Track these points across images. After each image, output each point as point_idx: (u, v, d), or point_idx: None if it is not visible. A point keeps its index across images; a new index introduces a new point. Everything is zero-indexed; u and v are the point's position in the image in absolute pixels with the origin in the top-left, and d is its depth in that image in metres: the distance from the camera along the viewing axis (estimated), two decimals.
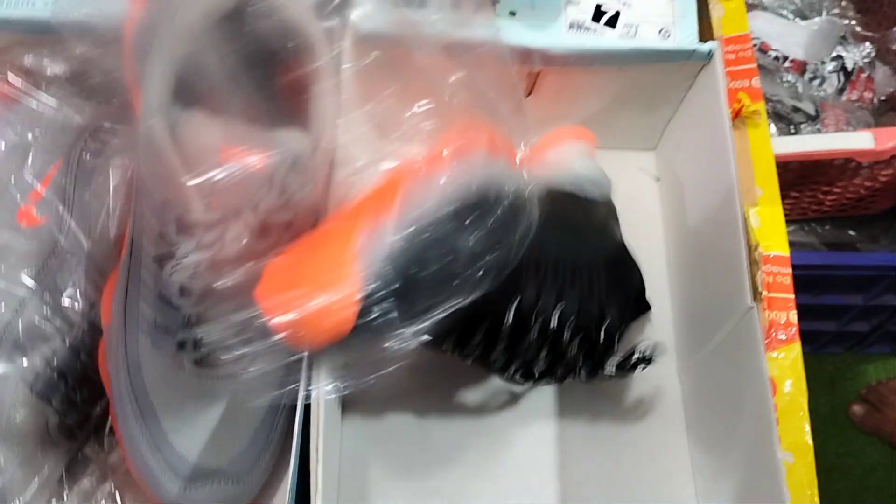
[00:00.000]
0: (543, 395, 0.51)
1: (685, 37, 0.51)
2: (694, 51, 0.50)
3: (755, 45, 0.95)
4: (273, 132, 0.39)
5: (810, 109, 0.92)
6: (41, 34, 0.47)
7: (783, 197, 0.94)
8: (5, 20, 0.47)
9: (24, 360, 0.41)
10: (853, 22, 0.97)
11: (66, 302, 0.44)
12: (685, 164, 0.54)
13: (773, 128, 0.92)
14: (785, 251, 0.47)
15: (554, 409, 0.50)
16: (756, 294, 0.45)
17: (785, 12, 0.97)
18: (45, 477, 0.44)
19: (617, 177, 0.51)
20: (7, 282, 0.43)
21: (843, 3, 0.98)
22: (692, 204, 0.52)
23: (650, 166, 0.58)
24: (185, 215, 0.37)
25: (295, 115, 0.42)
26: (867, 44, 0.95)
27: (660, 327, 0.52)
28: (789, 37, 0.96)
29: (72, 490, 0.46)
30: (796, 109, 0.92)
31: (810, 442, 0.42)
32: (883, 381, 1.09)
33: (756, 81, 0.51)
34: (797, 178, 0.90)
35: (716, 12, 0.53)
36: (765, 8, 0.98)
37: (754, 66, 0.52)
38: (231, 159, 0.36)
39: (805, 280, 0.96)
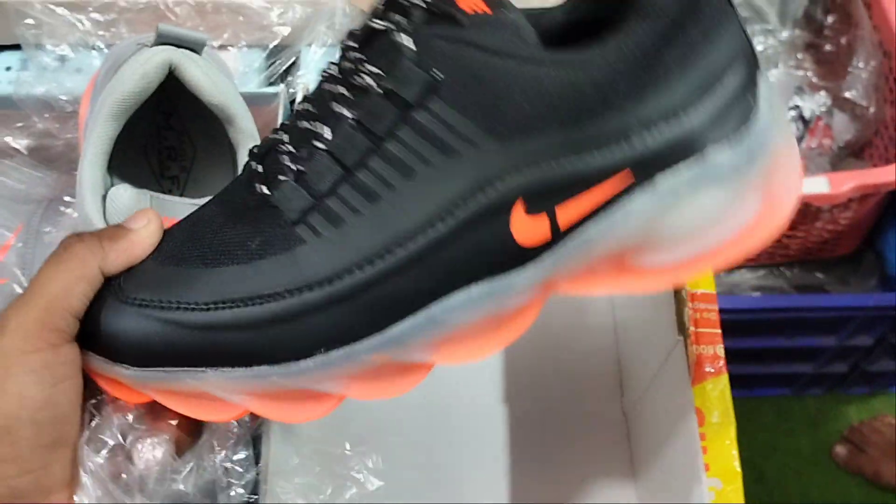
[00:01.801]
0: (494, 429, 0.53)
1: None
2: None
3: None
4: (198, 201, 0.42)
5: None
6: (5, 108, 0.51)
7: None
8: None
9: None
10: (809, 73, 1.00)
11: None
12: None
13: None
14: (711, 289, 0.49)
15: (504, 445, 0.52)
16: (683, 329, 0.47)
17: None
18: None
19: None
20: None
21: (799, 56, 1.02)
22: None
23: None
24: None
25: (217, 181, 0.45)
26: (823, 93, 0.98)
27: (607, 366, 0.54)
28: None
29: None
30: None
31: (738, 468, 0.44)
32: (865, 421, 1.10)
33: None
34: None
35: None
36: None
37: None
38: None
39: (777, 323, 0.98)
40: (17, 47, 0.52)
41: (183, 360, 0.30)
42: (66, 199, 0.50)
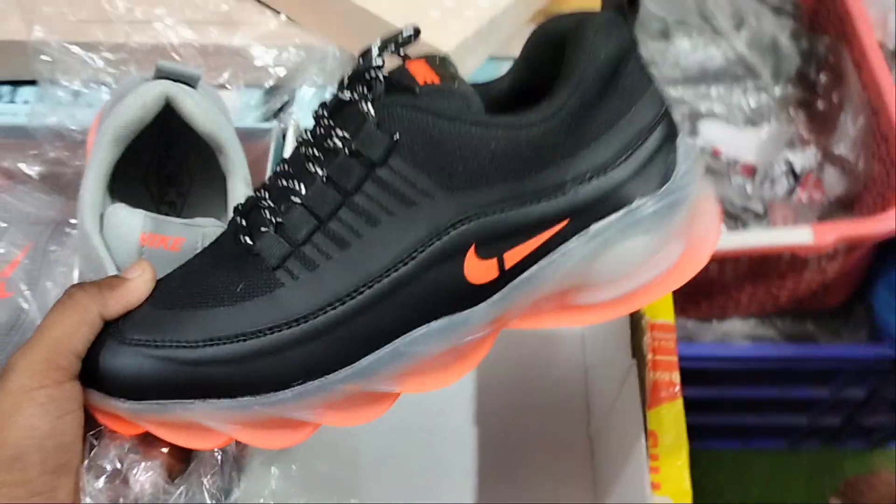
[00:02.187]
0: (466, 454, 0.55)
1: None
2: None
3: (707, 152, 1.02)
4: (190, 221, 0.45)
5: (759, 208, 0.98)
6: (20, 138, 0.55)
7: (738, 290, 0.99)
8: None
9: None
10: (800, 128, 1.03)
11: None
12: None
13: (722, 226, 0.97)
14: (670, 319, 0.51)
15: (475, 469, 0.54)
16: (639, 355, 0.49)
17: (735, 120, 1.04)
18: None
19: None
20: None
21: (791, 112, 1.05)
22: None
23: None
24: None
25: (210, 206, 0.48)
26: (814, 148, 1.01)
27: (575, 393, 0.57)
28: (740, 142, 1.03)
29: None
30: (746, 209, 0.98)
31: (689, 488, 0.46)
32: (861, 476, 1.09)
33: None
34: (749, 272, 0.94)
35: None
36: (717, 117, 1.05)
37: None
38: (149, 244, 0.43)
39: (769, 373, 0.99)
40: (34, 83, 0.57)
41: (174, 393, 0.34)
42: (73, 221, 0.54)
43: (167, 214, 0.53)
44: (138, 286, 0.36)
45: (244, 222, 0.36)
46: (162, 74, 0.46)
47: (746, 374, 1.00)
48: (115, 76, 0.55)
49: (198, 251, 0.44)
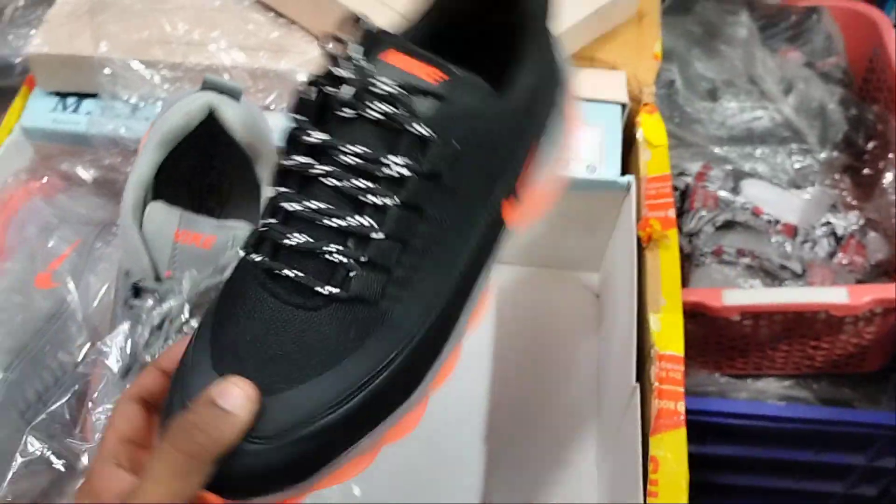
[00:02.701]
0: (470, 473, 0.56)
1: (609, 171, 0.59)
2: (614, 182, 0.58)
3: (748, 210, 1.02)
4: (222, 222, 0.48)
5: (797, 268, 0.97)
6: (79, 144, 0.60)
7: (773, 349, 0.98)
8: (52, 132, 0.60)
9: (22, 390, 0.50)
10: (844, 193, 1.03)
11: (61, 354, 0.53)
12: (615, 282, 0.61)
13: (758, 282, 0.97)
14: (679, 351, 0.52)
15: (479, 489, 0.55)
16: (644, 381, 0.50)
17: (778, 181, 1.05)
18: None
19: (564, 293, 0.59)
20: (20, 332, 0.52)
21: (836, 176, 1.05)
22: (610, 313, 0.58)
23: (594, 285, 0.65)
24: (141, 282, 0.46)
25: (246, 214, 0.52)
26: (857, 212, 1.01)
27: (583, 423, 0.58)
28: (782, 203, 1.03)
29: None
30: (784, 268, 0.98)
31: None
32: None
33: (671, 213, 0.59)
34: (784, 331, 0.94)
35: (643, 157, 0.62)
36: (760, 177, 1.06)
37: (671, 200, 0.59)
38: (182, 240, 0.46)
39: (803, 435, 0.97)
40: (97, 96, 0.61)
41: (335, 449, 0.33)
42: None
43: None
44: (236, 422, 0.31)
45: (299, 273, 0.34)
46: (207, 86, 0.50)
47: (779, 434, 0.98)
48: (170, 92, 0.59)
49: (228, 251, 0.47)
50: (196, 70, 0.59)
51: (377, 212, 0.33)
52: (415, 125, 0.33)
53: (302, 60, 0.60)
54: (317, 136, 0.34)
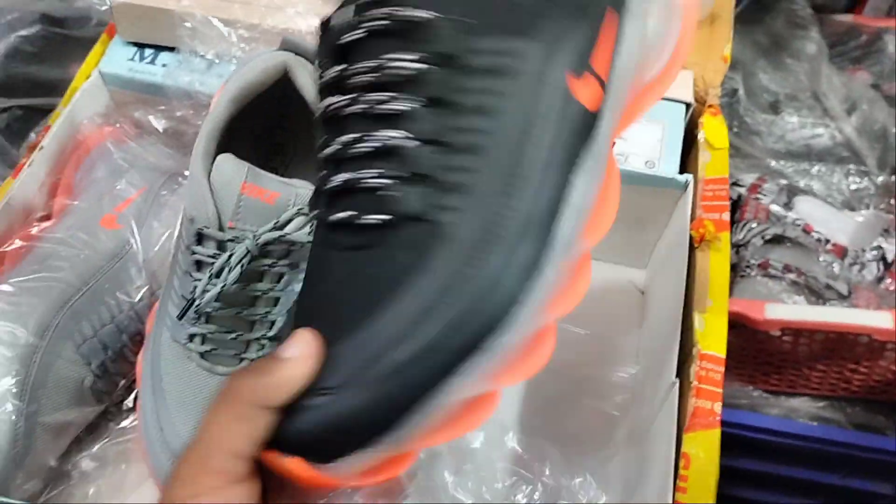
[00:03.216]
0: (500, 457, 0.57)
1: (667, 169, 0.60)
2: (672, 179, 0.58)
3: (799, 226, 1.02)
4: (287, 180, 0.49)
5: (843, 289, 0.96)
6: (153, 94, 0.61)
7: (810, 367, 0.98)
8: (129, 80, 0.62)
9: (80, 323, 0.52)
10: None
11: (119, 293, 0.55)
12: (662, 279, 0.61)
13: (802, 299, 0.96)
14: (721, 353, 0.53)
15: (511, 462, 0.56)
16: (686, 382, 0.51)
17: (832, 201, 1.04)
18: (70, 433, 0.54)
19: (609, 287, 0.60)
20: (83, 267, 0.54)
21: (891, 201, 1.04)
22: (655, 310, 0.59)
23: (640, 281, 0.66)
24: (204, 229, 0.47)
25: (309, 173, 0.53)
26: None
27: (617, 414, 0.59)
28: (834, 223, 1.02)
29: (83, 454, 0.55)
30: (829, 287, 0.97)
31: None
32: None
33: (725, 216, 0.59)
34: (823, 350, 0.93)
35: (703, 158, 0.62)
36: (815, 195, 1.05)
37: (726, 203, 0.59)
38: (248, 193, 0.47)
39: (832, 458, 0.97)
40: (174, 50, 0.63)
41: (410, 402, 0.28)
42: (186, 173, 0.59)
43: None
44: (296, 367, 0.30)
45: (349, 212, 0.31)
46: (286, 46, 0.51)
47: (808, 454, 0.97)
48: (245, 52, 0.61)
49: (290, 209, 0.48)
50: (273, 32, 0.61)
51: (405, 119, 0.31)
52: (409, 12, 0.31)
53: None
54: (332, 70, 0.32)
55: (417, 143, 0.30)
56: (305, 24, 0.60)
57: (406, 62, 0.31)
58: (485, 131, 0.30)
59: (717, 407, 0.51)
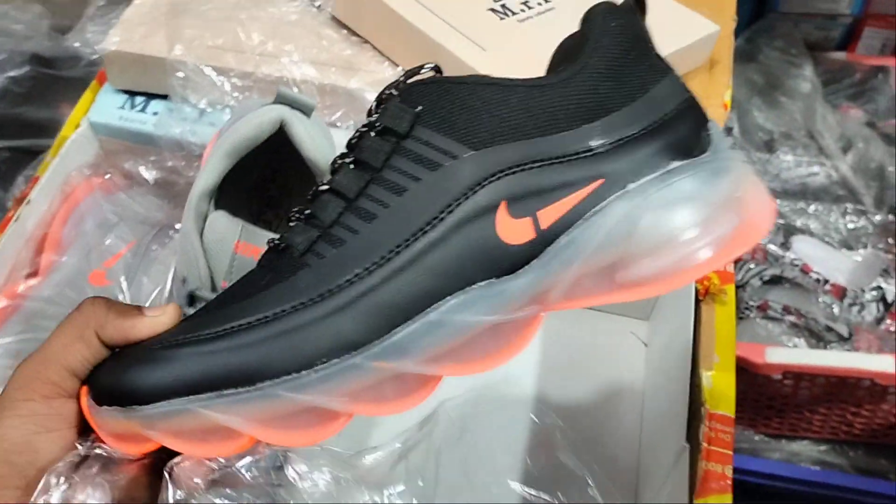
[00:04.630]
0: None
1: None
2: None
3: (797, 267, 1.00)
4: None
5: (843, 331, 0.95)
6: (144, 144, 0.60)
7: (811, 411, 0.96)
8: (119, 129, 0.60)
9: None
10: None
11: None
12: (666, 333, 0.60)
13: (802, 342, 0.95)
14: (731, 412, 0.51)
15: None
16: (695, 443, 0.49)
17: (830, 240, 1.03)
18: None
19: (611, 339, 0.59)
20: None
21: (890, 241, 1.03)
22: (659, 365, 0.57)
23: (642, 333, 0.64)
24: (197, 291, 0.46)
25: None
26: None
27: (622, 476, 0.57)
28: (832, 263, 1.01)
29: None
30: (830, 329, 0.96)
31: None
32: None
33: (730, 267, 0.58)
34: (825, 394, 0.92)
35: None
36: (812, 234, 1.04)
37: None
38: (241, 252, 0.46)
39: (833, 501, 0.95)
40: (166, 97, 0.62)
41: (191, 389, 0.32)
42: (177, 226, 0.58)
43: None
44: (146, 325, 0.35)
45: (277, 235, 0.37)
46: (280, 100, 0.50)
47: (809, 498, 0.96)
48: (238, 101, 0.59)
49: None
50: (266, 81, 0.59)
51: (335, 170, 0.36)
52: (388, 90, 0.36)
53: (372, 80, 0.59)
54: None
55: (331, 193, 0.35)
56: (300, 73, 0.59)
57: (365, 127, 0.36)
58: (388, 206, 0.33)
59: (728, 470, 0.49)
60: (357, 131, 0.36)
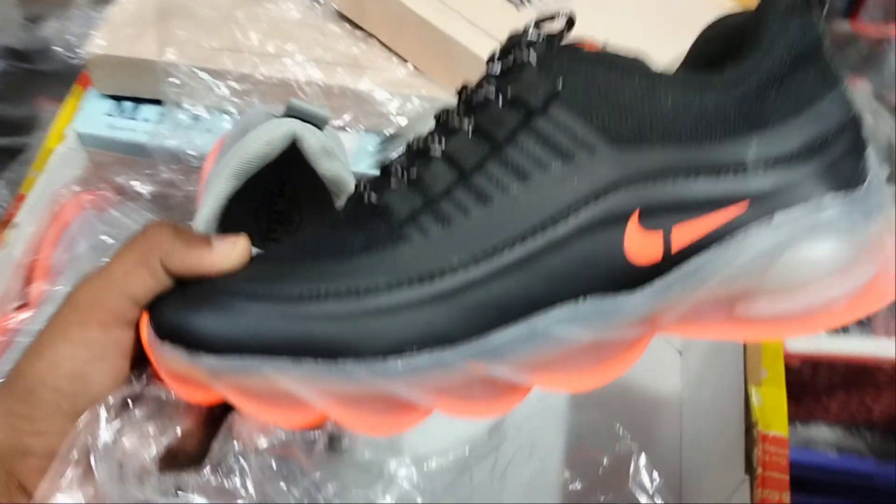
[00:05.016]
0: None
1: None
2: None
3: None
4: None
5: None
6: (136, 156, 0.55)
7: (829, 396, 0.94)
8: (109, 140, 0.56)
9: None
10: None
11: None
12: (702, 342, 0.56)
13: None
14: (784, 432, 0.48)
15: None
16: (751, 469, 0.46)
17: None
18: None
19: None
20: None
21: None
22: (704, 377, 0.54)
23: (676, 340, 0.61)
24: None
25: None
26: None
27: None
28: None
29: None
30: None
31: None
32: None
33: None
34: (844, 380, 0.90)
35: None
36: None
37: None
38: None
39: (848, 487, 0.94)
40: (158, 102, 0.57)
41: (266, 349, 0.29)
42: None
43: None
44: (215, 258, 0.31)
45: (370, 189, 0.32)
46: (291, 113, 0.45)
47: (826, 484, 0.94)
48: (238, 105, 0.55)
49: None
50: (268, 83, 0.55)
51: (452, 134, 0.31)
52: (524, 49, 0.31)
53: (382, 80, 0.55)
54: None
55: (445, 160, 0.31)
56: (304, 74, 0.54)
57: (493, 88, 0.31)
58: (507, 191, 0.30)
59: (786, 497, 0.46)
60: (476, 85, 0.32)
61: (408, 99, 0.55)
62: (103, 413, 0.31)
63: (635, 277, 0.30)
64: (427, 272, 0.29)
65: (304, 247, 0.32)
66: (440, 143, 0.31)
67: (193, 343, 0.29)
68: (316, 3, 0.57)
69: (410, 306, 0.29)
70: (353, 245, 0.30)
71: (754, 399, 0.49)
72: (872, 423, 0.95)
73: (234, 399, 0.30)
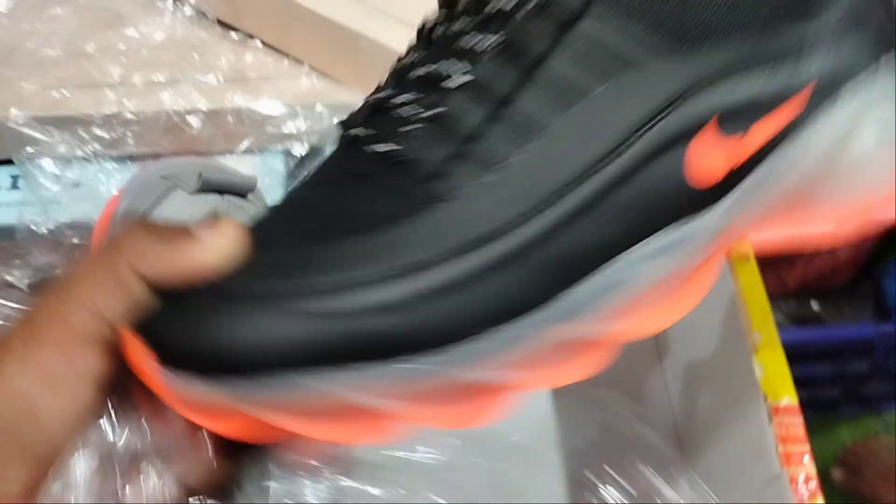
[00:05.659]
0: None
1: None
2: None
3: None
4: None
5: None
6: (2, 240, 0.45)
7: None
8: None
9: None
10: None
11: None
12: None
13: None
14: (794, 398, 0.46)
15: None
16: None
17: None
18: None
19: None
20: None
21: None
22: (683, 343, 0.51)
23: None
24: None
25: None
26: None
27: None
28: None
29: None
30: None
31: None
32: (859, 442, 1.10)
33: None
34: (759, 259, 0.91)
35: None
36: None
37: None
38: None
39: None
40: (9, 162, 0.46)
41: (307, 357, 0.22)
42: None
43: None
44: (204, 254, 0.24)
45: (367, 130, 0.25)
46: (207, 187, 0.37)
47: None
48: (111, 156, 0.45)
49: None
50: (140, 122, 0.44)
51: (470, 55, 0.25)
52: None
53: (277, 92, 0.46)
54: None
55: (472, 88, 0.24)
56: (184, 103, 0.44)
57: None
58: (558, 114, 0.24)
59: (812, 471, 0.44)
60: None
61: (311, 109, 0.47)
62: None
63: (705, 197, 0.26)
64: (482, 235, 0.23)
65: (306, 222, 0.25)
66: (455, 68, 0.25)
67: (208, 367, 0.22)
68: (181, 18, 0.47)
69: (471, 279, 0.23)
70: (372, 214, 0.24)
71: (756, 371, 0.47)
72: (787, 292, 0.98)
73: (272, 418, 0.23)
